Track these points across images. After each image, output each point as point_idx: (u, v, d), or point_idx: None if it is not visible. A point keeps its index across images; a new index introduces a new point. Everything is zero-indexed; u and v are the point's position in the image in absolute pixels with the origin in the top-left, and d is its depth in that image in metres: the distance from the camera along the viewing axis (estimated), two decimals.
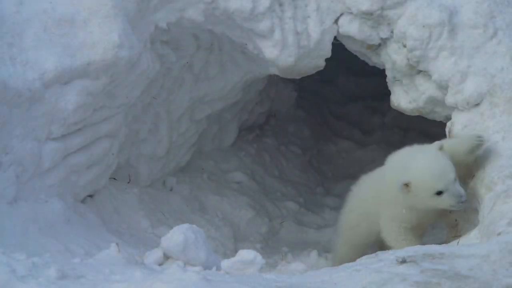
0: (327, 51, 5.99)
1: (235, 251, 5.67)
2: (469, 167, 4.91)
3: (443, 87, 5.46)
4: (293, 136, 9.21)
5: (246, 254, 4.44)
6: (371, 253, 4.32)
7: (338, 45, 6.11)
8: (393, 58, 5.74)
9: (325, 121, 9.99)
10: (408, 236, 4.89)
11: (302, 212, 7.58)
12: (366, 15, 5.68)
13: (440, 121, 5.76)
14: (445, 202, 4.61)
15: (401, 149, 5.05)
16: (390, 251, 4.30)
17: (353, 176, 8.68)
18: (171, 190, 6.92)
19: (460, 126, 5.29)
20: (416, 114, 5.86)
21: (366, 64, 6.35)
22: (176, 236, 4.54)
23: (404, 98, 5.84)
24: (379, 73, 6.36)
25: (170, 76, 6.54)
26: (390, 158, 5.01)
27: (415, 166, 4.67)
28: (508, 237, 3.87)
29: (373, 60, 6.05)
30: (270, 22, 5.79)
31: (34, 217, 5.02)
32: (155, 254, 4.64)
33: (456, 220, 5.14)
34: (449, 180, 4.59)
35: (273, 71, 6.18)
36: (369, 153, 9.17)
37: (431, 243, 4.57)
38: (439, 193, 4.59)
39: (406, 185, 4.63)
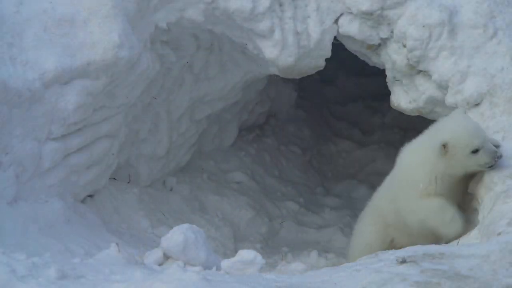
0: (327, 51, 5.99)
1: (235, 251, 5.67)
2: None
3: (443, 87, 5.46)
4: (293, 136, 9.20)
5: (246, 254, 4.44)
6: None
7: (338, 45, 6.11)
8: (393, 58, 5.74)
9: (325, 121, 9.98)
10: (449, 206, 4.79)
11: (302, 212, 7.58)
12: (366, 15, 5.68)
13: None
14: (481, 160, 4.63)
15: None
16: (390, 251, 4.30)
17: (353, 176, 8.73)
18: (171, 190, 6.92)
19: None
20: (416, 114, 5.86)
21: (366, 64, 6.35)
22: (176, 236, 4.54)
23: (404, 98, 5.84)
24: (379, 73, 6.36)
25: (170, 76, 6.54)
26: (403, 151, 5.01)
27: (452, 127, 4.73)
28: (508, 237, 3.87)
29: (373, 60, 6.05)
30: (270, 22, 5.79)
31: (34, 217, 5.02)
32: (155, 254, 4.64)
33: None
34: (484, 137, 4.67)
35: (273, 71, 6.18)
36: (369, 153, 9.17)
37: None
38: (475, 151, 4.63)
39: (444, 146, 4.64)
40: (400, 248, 5.06)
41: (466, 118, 4.84)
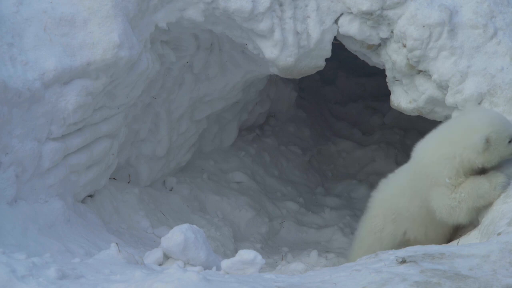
0: (327, 51, 5.99)
1: (235, 251, 5.67)
2: None
3: (443, 87, 5.46)
4: (293, 136, 9.20)
5: (246, 254, 4.44)
6: None
7: (338, 45, 6.11)
8: (393, 58, 5.74)
9: (325, 121, 9.99)
10: (477, 179, 4.81)
11: (302, 212, 7.58)
12: (366, 15, 5.68)
13: (440, 121, 5.76)
14: None
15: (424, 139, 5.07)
16: (390, 251, 4.30)
17: (353, 176, 8.73)
18: (171, 190, 6.92)
19: None
20: (416, 114, 5.87)
21: (366, 64, 6.35)
22: (176, 236, 4.54)
23: (404, 98, 5.84)
24: (379, 73, 6.36)
25: (170, 76, 6.54)
26: (423, 148, 5.00)
27: (488, 121, 4.77)
28: (508, 237, 3.87)
29: (373, 60, 6.05)
30: (270, 22, 5.79)
31: (34, 217, 5.02)
32: (155, 254, 4.64)
33: None
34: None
35: (273, 71, 6.18)
36: (369, 153, 9.17)
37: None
38: (510, 140, 4.72)
39: (487, 140, 4.68)
40: (413, 240, 5.09)
41: (492, 110, 4.96)
